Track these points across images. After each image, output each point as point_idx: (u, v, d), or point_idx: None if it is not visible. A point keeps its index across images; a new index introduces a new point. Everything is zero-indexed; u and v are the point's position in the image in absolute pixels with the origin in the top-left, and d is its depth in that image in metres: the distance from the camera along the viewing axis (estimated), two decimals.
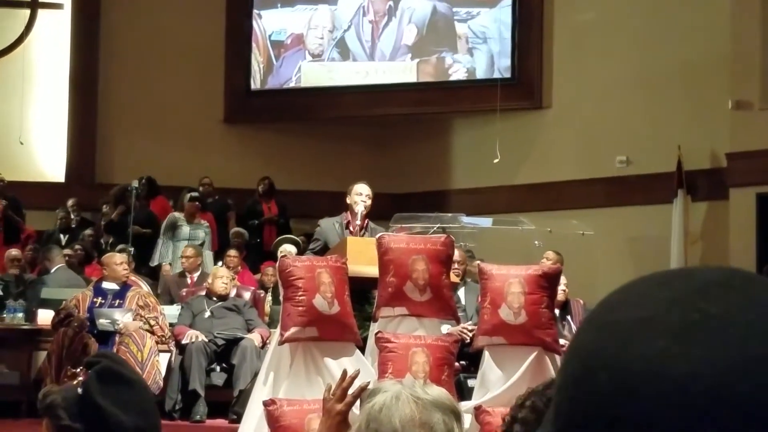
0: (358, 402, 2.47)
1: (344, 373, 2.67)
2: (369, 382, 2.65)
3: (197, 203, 11.02)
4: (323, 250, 6.63)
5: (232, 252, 10.40)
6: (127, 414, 1.86)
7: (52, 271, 9.71)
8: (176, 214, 11.09)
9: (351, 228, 6.74)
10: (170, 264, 10.78)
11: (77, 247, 11.00)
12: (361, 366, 5.33)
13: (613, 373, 0.65)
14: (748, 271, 0.70)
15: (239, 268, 10.30)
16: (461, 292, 8.02)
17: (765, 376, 0.62)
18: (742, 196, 10.38)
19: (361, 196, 6.75)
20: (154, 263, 10.93)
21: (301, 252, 9.29)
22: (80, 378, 1.98)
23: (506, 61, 12.69)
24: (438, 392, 1.90)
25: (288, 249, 9.63)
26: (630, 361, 0.65)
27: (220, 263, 10.14)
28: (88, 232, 11.67)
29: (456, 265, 7.63)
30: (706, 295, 0.66)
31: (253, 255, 11.40)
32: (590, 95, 11.80)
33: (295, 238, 10.86)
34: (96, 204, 12.41)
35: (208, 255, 10.79)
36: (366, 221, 6.79)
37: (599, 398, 0.65)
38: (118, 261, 8.36)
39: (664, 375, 0.63)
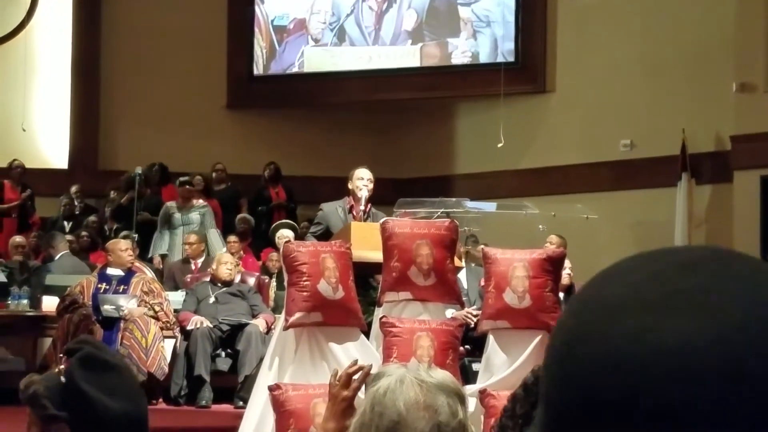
0: (363, 387, 2.48)
1: (354, 362, 2.69)
2: (371, 365, 2.65)
3: (188, 186, 10.94)
4: (325, 235, 6.63)
5: (233, 238, 10.38)
6: (114, 399, 1.83)
7: (57, 258, 9.72)
8: (168, 203, 11.00)
9: (354, 213, 6.74)
10: (162, 256, 10.68)
11: (83, 233, 11.00)
12: (365, 351, 5.34)
13: (590, 348, 0.66)
14: (733, 250, 0.71)
15: (241, 253, 10.30)
16: (462, 275, 8.01)
17: (735, 348, 0.63)
18: (746, 178, 10.36)
19: (362, 180, 6.76)
20: (149, 254, 10.82)
21: (298, 237, 9.30)
22: (61, 366, 1.95)
23: (510, 45, 12.65)
24: (442, 375, 1.90)
25: (285, 234, 9.64)
26: (606, 335, 0.66)
27: (224, 249, 10.14)
28: (91, 218, 11.67)
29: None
30: (685, 271, 0.67)
31: (261, 241, 11.36)
32: (594, 79, 11.77)
33: (292, 222, 10.85)
34: (100, 191, 12.42)
35: (213, 234, 10.69)
36: (368, 206, 6.79)
37: (576, 374, 0.66)
38: (123, 247, 8.37)
39: (638, 348, 0.64)
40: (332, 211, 6.88)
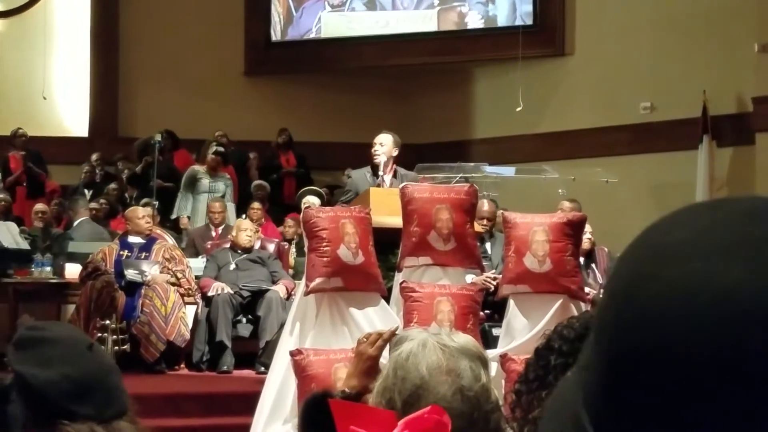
0: (386, 352, 2.49)
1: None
2: (397, 326, 2.66)
3: (220, 157, 11.00)
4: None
5: (256, 204, 10.43)
6: (50, 368, 1.84)
7: (76, 223, 9.76)
8: (196, 167, 11.07)
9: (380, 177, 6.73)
10: (188, 217, 10.77)
11: (102, 201, 11.06)
12: (386, 315, 5.37)
13: (651, 293, 0.65)
14: None
15: (263, 220, 10.33)
16: (488, 245, 8.00)
17: None
18: None
19: (373, 147, 6.80)
20: (173, 215, 10.94)
21: (325, 203, 9.31)
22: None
23: (528, 7, 12.56)
24: (464, 339, 1.90)
25: (312, 200, 9.64)
26: (669, 279, 0.65)
27: (243, 216, 10.17)
28: (112, 186, 11.73)
29: (485, 221, 7.60)
30: (751, 219, 0.66)
31: (276, 207, 11.42)
32: (613, 41, 11.67)
33: (319, 189, 10.85)
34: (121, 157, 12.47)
35: (230, 207, 10.79)
36: (394, 168, 6.78)
37: (636, 319, 0.66)
38: (140, 215, 8.42)
39: (699, 293, 0.64)
40: (360, 176, 6.86)
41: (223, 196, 10.75)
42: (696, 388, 0.63)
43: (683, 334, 0.63)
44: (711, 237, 0.66)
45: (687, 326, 0.64)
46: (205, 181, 10.85)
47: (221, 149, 11.11)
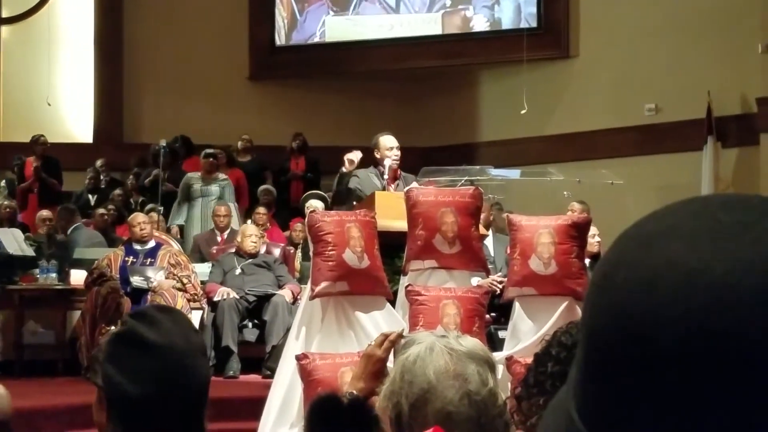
0: (393, 355, 2.48)
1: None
2: (403, 329, 2.66)
3: (212, 159, 10.93)
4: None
5: (261, 209, 10.41)
6: (136, 382, 1.76)
7: (69, 231, 9.78)
8: (190, 174, 11.00)
9: (386, 180, 6.67)
10: (179, 226, 10.69)
11: (110, 207, 11.05)
12: (392, 319, 5.36)
13: (627, 273, 0.68)
14: None
15: (268, 225, 10.32)
16: (488, 242, 8.00)
17: None
18: None
19: (391, 150, 6.67)
20: (167, 225, 10.84)
21: (328, 207, 9.29)
22: None
23: (532, 9, 12.55)
24: (472, 343, 1.89)
25: (315, 204, 9.64)
26: (647, 259, 0.68)
27: (249, 221, 10.16)
28: (117, 192, 11.72)
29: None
30: (725, 209, 0.69)
31: (284, 212, 11.39)
32: (618, 43, 11.66)
33: (322, 193, 10.85)
34: (125, 164, 12.48)
35: (231, 207, 10.68)
36: (398, 172, 6.74)
37: (614, 299, 0.68)
38: (137, 221, 8.42)
39: (676, 269, 0.66)
40: (366, 177, 6.76)
41: (221, 198, 10.67)
42: (666, 371, 0.65)
43: (649, 318, 0.66)
44: (684, 223, 0.70)
45: (650, 310, 0.66)
46: (197, 186, 10.78)
47: (210, 151, 11.07)
